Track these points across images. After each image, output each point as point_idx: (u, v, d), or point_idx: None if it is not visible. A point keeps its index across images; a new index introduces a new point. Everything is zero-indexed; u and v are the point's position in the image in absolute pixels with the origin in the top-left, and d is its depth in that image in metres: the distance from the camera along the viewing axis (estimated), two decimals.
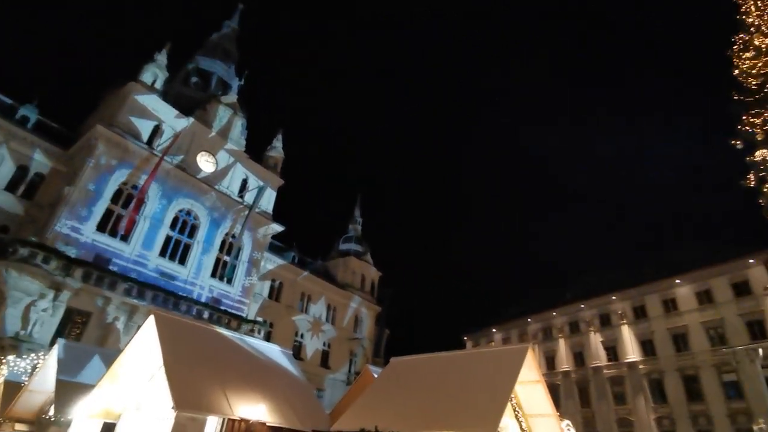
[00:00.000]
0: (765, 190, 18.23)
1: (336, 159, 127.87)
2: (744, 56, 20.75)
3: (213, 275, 28.90)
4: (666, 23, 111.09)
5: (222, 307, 27.92)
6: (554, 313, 42.31)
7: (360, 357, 41.50)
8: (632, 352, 35.65)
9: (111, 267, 23.80)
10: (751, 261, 30.84)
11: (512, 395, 10.10)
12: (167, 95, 30.25)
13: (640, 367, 34.77)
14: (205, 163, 30.33)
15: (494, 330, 47.81)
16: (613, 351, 37.11)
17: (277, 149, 36.05)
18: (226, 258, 29.83)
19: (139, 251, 25.63)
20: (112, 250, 24.55)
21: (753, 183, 18.92)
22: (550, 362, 41.10)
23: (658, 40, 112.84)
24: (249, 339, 13.55)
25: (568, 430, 12.73)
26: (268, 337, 31.66)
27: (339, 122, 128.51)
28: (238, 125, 32.94)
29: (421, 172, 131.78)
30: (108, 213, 25.01)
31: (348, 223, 49.17)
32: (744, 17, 21.35)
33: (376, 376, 14.84)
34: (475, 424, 8.18)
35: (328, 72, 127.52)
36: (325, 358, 38.65)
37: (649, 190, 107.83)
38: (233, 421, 9.20)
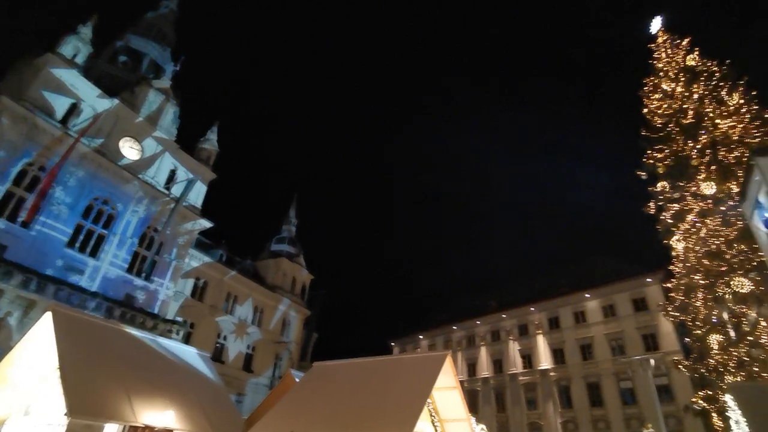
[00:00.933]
0: (662, 217, 20.52)
1: (273, 159, 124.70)
2: (653, 97, 23.29)
3: (129, 270, 26.79)
4: (589, 57, 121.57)
5: (137, 306, 25.95)
6: (478, 322, 44.22)
7: (285, 361, 40.50)
8: (545, 360, 38.16)
9: (6, 256, 21.24)
10: (648, 280, 34.38)
11: (429, 400, 10.39)
12: (89, 72, 27.73)
13: (551, 374, 37.30)
14: (129, 150, 28.16)
15: (421, 336, 48.94)
16: (528, 359, 39.48)
17: (211, 142, 34.36)
18: (146, 253, 27.82)
19: (43, 240, 23.15)
20: (11, 237, 21.95)
21: (653, 210, 21.26)
22: (471, 369, 42.82)
23: (584, 73, 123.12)
24: (163, 340, 12.72)
25: None
26: (187, 339, 29.89)
27: (279, 122, 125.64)
28: (170, 113, 31.00)
29: (356, 178, 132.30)
30: (8, 195, 22.35)
31: (282, 223, 47.99)
32: (655, 62, 24.00)
33: (298, 380, 14.71)
34: (391, 429, 8.30)
35: (269, 68, 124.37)
36: (248, 362, 37.23)
37: (570, 207, 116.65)
38: (136, 428, 8.56)
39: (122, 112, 27.97)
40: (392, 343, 51.49)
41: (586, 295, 37.40)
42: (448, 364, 10.43)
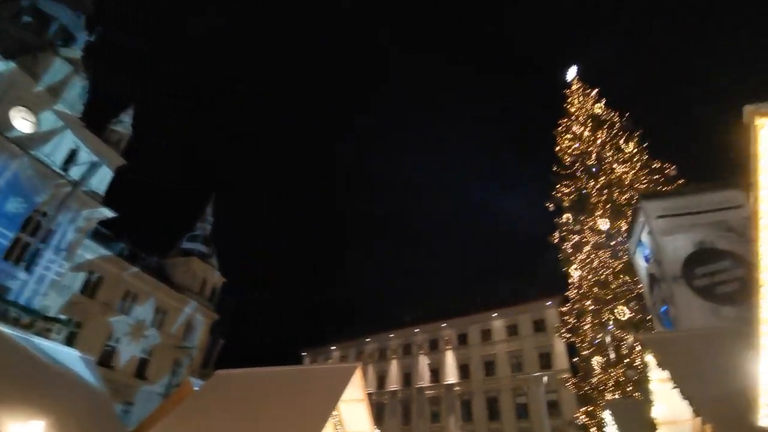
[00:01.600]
0: (563, 247, 22.51)
1: (195, 153, 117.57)
2: (564, 137, 25.71)
3: (7, 258, 23.34)
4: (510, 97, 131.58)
5: (10, 299, 22.62)
6: (391, 335, 44.82)
7: (185, 368, 37.67)
8: (451, 375, 39.62)
9: None
10: (548, 303, 37.36)
11: (335, 412, 10.21)
12: None
13: (456, 388, 38.78)
14: (21, 121, 24.76)
15: (333, 348, 48.44)
16: (436, 373, 40.72)
17: (124, 124, 31.39)
18: (29, 239, 24.47)
19: None
20: None
21: (557, 240, 23.27)
22: (381, 381, 43.13)
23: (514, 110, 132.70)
24: (38, 340, 11.17)
25: None
26: (71, 339, 26.62)
27: (205, 116, 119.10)
28: (78, 86, 27.86)
29: (281, 185, 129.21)
30: None
31: (197, 221, 45.07)
32: (568, 107, 26.56)
33: (197, 389, 13.82)
34: None
35: (201, 60, 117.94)
36: (142, 368, 34.03)
37: (486, 232, 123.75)
38: None
39: (19, 77, 24.61)
40: (304, 354, 50.31)
41: (494, 315, 39.63)
42: (357, 376, 10.34)
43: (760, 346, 4.30)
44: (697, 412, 6.34)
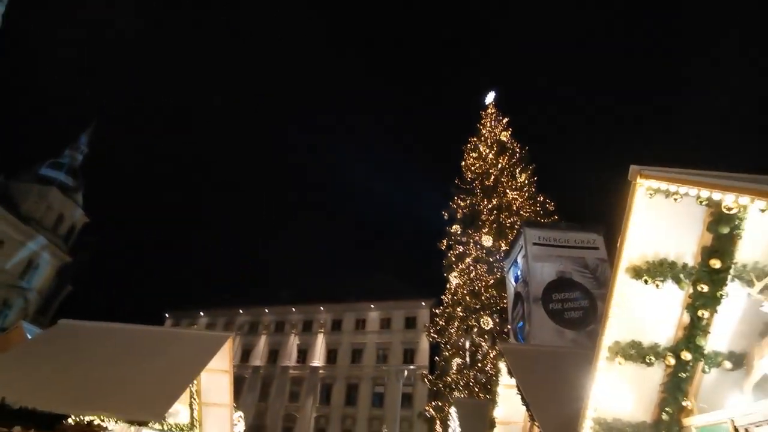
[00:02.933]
0: (449, 254, 24.12)
1: (79, 68, 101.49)
2: (471, 155, 27.50)
3: None
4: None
5: None
6: (266, 310, 43.77)
7: (17, 311, 32.48)
8: (319, 358, 40.07)
9: None
10: (422, 303, 39.73)
11: (195, 381, 9.64)
12: None
13: (321, 372, 39.35)
14: None
15: (201, 314, 45.79)
16: (304, 354, 40.82)
17: None
18: None
19: None
20: None
21: (444, 247, 24.86)
22: (246, 355, 41.91)
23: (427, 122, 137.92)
24: None
25: (239, 421, 13.03)
26: None
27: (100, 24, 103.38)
28: None
29: (177, 135, 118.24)
30: None
31: (66, 147, 38.97)
32: (480, 127, 28.44)
33: (30, 337, 12.17)
34: (141, 408, 7.34)
35: None
36: None
37: (383, 227, 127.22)
38: None
39: None
40: (166, 315, 46.65)
41: (371, 306, 40.95)
42: (227, 347, 9.89)
43: (596, 369, 5.06)
44: (532, 416, 7.28)
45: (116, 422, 7.40)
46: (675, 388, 4.80)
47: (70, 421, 7.24)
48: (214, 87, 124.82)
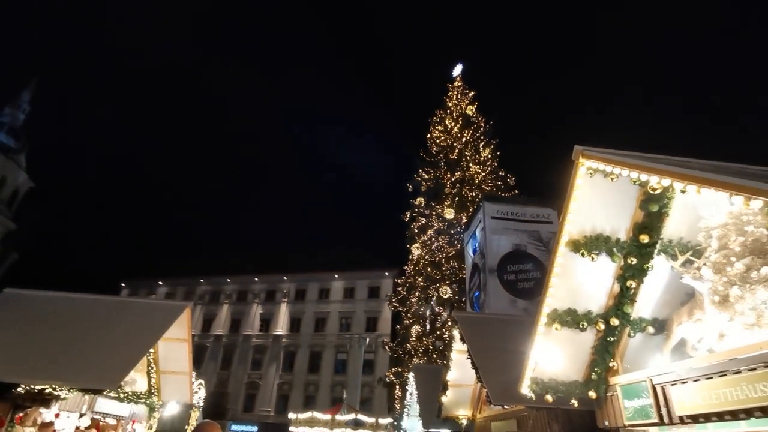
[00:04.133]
0: (411, 226, 24.54)
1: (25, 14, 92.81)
2: (437, 127, 27.65)
3: None
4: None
5: None
6: (228, 280, 43.34)
7: None
8: (282, 327, 40.37)
9: None
10: (386, 273, 40.45)
11: (152, 350, 9.60)
12: None
13: (284, 340, 39.73)
14: None
15: (160, 283, 44.78)
16: (267, 323, 40.98)
17: None
18: None
19: None
20: None
21: (407, 219, 25.25)
22: (207, 324, 41.62)
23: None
24: None
25: (200, 388, 13.15)
26: None
27: None
28: None
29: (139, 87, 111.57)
30: None
31: (6, 105, 36.10)
32: (447, 100, 28.50)
33: None
34: (94, 377, 7.29)
35: None
36: None
37: (349, 198, 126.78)
38: None
39: None
40: (122, 284, 45.33)
41: (335, 276, 41.33)
42: (185, 316, 9.85)
43: (535, 334, 5.46)
44: (480, 379, 7.78)
45: (69, 391, 7.32)
46: (604, 351, 5.28)
47: (20, 389, 7.12)
48: (166, 41, 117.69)
